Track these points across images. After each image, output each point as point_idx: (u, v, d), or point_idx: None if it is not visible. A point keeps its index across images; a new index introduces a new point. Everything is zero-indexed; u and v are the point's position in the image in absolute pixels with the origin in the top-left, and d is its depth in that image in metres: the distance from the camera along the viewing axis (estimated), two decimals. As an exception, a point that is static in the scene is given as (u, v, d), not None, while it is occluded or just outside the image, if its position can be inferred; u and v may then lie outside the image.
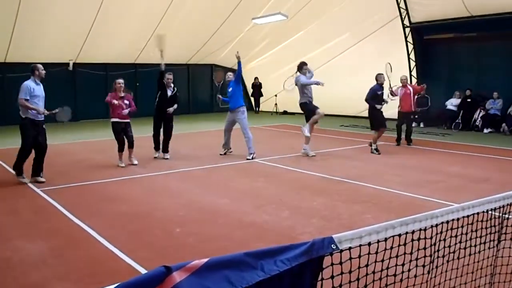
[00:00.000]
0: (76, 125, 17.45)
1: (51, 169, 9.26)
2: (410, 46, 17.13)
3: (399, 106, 12.69)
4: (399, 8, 16.53)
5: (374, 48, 17.63)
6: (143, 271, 4.30)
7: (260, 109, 23.22)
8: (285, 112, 21.68)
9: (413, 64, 17.30)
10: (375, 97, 11.45)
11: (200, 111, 22.01)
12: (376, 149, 11.02)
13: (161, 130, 10.47)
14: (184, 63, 21.48)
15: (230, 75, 11.39)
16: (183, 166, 9.37)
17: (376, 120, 11.45)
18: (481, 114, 15.27)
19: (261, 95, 22.88)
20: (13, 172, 8.15)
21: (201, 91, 22.88)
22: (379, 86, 11.67)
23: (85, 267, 4.44)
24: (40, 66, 8.15)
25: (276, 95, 21.93)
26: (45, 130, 8.14)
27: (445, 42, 16.58)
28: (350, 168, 9.22)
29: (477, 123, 15.31)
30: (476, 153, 10.86)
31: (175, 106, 10.35)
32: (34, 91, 7.82)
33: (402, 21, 16.82)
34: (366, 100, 11.67)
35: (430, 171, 8.82)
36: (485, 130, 14.85)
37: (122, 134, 9.39)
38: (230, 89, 10.88)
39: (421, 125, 16.46)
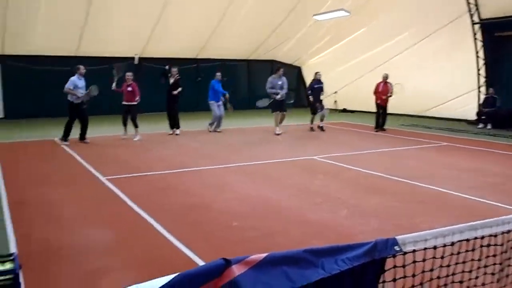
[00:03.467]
0: (140, 117, 17.98)
1: (114, 159, 9.67)
2: (479, 44, 16.36)
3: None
4: (468, 3, 15.82)
5: (440, 45, 16.98)
6: (200, 262, 4.38)
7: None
8: (344, 110, 21.35)
9: (481, 62, 16.51)
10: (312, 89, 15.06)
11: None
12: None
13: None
14: (244, 59, 21.61)
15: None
16: (240, 161, 9.44)
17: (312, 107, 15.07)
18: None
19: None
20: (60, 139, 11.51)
21: (260, 86, 22.83)
22: (316, 81, 14.96)
23: (145, 256, 4.57)
24: (81, 66, 11.63)
25: (336, 92, 21.65)
26: (85, 109, 11.58)
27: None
28: (409, 167, 8.95)
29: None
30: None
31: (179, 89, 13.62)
32: (77, 83, 11.34)
33: (471, 17, 16.09)
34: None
35: (494, 174, 8.40)
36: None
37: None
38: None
39: (489, 126, 15.70)
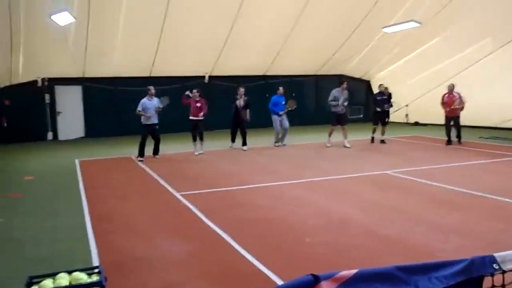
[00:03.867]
0: (210, 135, 18.40)
1: (184, 175, 9.91)
2: None
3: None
4: (550, 7, 14.92)
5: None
6: (273, 277, 4.35)
7: (389, 120, 22.41)
8: (416, 123, 20.68)
9: None
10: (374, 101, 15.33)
11: (326, 122, 21.85)
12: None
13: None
14: (312, 74, 21.56)
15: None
16: (310, 176, 9.37)
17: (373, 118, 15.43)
18: None
19: (391, 105, 22.06)
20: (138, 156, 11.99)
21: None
22: (380, 93, 15.22)
23: (220, 270, 4.62)
24: (151, 87, 12.32)
25: (407, 105, 21.05)
26: (157, 129, 12.25)
27: None
28: (490, 182, 8.46)
29: None
30: None
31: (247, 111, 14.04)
32: (146, 105, 11.98)
33: (554, 22, 15.15)
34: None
35: None
36: None
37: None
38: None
39: None
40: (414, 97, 20.21)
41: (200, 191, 8.25)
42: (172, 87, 17.81)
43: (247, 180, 9.21)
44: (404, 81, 20.60)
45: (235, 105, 14.01)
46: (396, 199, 7.39)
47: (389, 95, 21.70)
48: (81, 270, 3.41)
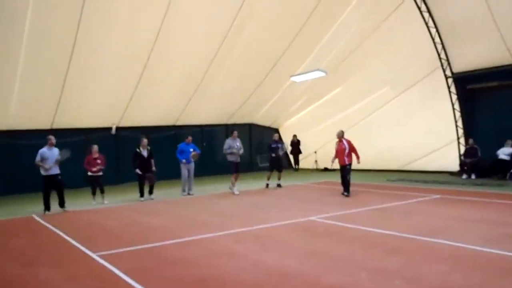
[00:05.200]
0: (119, 188, 17.44)
1: (103, 233, 9.09)
2: (454, 97, 16.77)
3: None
4: (440, 58, 16.36)
5: (416, 100, 17.39)
6: None
7: (299, 166, 22.89)
8: (326, 169, 21.25)
9: (458, 114, 16.87)
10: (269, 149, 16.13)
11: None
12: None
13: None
14: (223, 123, 21.52)
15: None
16: (237, 227, 9.00)
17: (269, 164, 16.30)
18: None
19: (300, 152, 22.63)
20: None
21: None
22: (273, 141, 16.20)
23: None
24: (51, 137, 11.90)
25: (315, 152, 21.65)
26: (59, 180, 11.80)
27: (490, 90, 16.16)
28: (415, 223, 8.67)
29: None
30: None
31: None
32: (45, 155, 11.56)
33: (444, 72, 16.58)
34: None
35: (502, 224, 8.22)
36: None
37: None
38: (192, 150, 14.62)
39: (473, 176, 15.81)
40: (322, 143, 20.84)
41: (121, 250, 7.50)
42: (76, 140, 16.75)
43: (173, 234, 8.59)
44: (311, 128, 21.25)
45: (138, 157, 13.77)
46: (329, 245, 7.24)
47: (298, 142, 22.30)
48: None
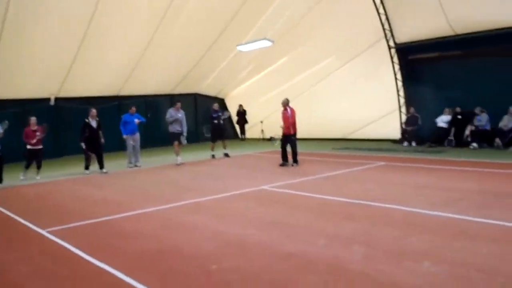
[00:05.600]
0: (60, 161, 16.81)
1: (52, 208, 8.74)
2: (396, 67, 17.22)
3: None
4: (383, 29, 16.66)
5: (360, 70, 17.70)
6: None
7: (246, 136, 22.94)
8: (271, 138, 21.40)
9: (400, 84, 17.37)
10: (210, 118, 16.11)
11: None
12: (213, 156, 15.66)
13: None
14: (168, 94, 21.04)
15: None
16: (189, 198, 8.91)
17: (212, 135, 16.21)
18: (470, 130, 15.31)
19: (246, 122, 22.63)
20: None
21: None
22: (214, 111, 16.20)
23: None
24: None
25: (262, 122, 21.71)
26: None
27: (431, 61, 16.70)
28: (365, 190, 8.90)
29: (468, 139, 15.33)
30: (480, 168, 10.75)
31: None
32: None
33: (388, 42, 16.94)
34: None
35: (446, 189, 8.60)
36: (472, 146, 14.83)
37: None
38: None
39: (413, 143, 16.44)
40: (268, 113, 20.89)
41: (71, 225, 7.24)
42: (12, 111, 15.87)
43: (124, 207, 8.39)
44: (258, 98, 21.24)
45: (87, 127, 13.10)
46: (284, 214, 7.32)
47: (244, 112, 22.27)
48: None
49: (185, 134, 14.67)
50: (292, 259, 5.14)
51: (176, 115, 14.54)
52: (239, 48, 18.04)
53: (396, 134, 17.61)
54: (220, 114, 16.21)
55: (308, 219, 6.88)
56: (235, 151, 17.31)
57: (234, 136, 23.28)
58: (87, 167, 13.40)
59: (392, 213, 7.00)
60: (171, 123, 14.47)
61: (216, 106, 16.68)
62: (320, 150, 16.37)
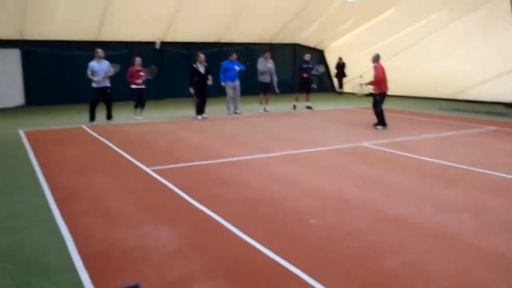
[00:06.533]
0: (162, 103, 17.45)
1: (153, 149, 9.07)
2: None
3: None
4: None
5: (475, 25, 16.18)
6: (289, 267, 3.79)
7: (343, 90, 22.30)
8: (371, 94, 20.56)
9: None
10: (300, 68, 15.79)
11: (281, 92, 21.42)
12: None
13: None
14: (267, 42, 20.81)
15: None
16: (286, 149, 8.82)
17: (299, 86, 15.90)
18: None
19: (345, 75, 21.92)
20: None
21: (283, 71, 22.12)
22: (304, 61, 15.68)
23: (227, 261, 3.97)
24: (99, 50, 11.91)
25: (361, 76, 20.87)
26: (109, 93, 12.06)
27: None
28: (471, 155, 8.27)
29: None
30: None
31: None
32: (94, 68, 11.77)
33: (511, -4, 15.21)
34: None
35: None
36: None
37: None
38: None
39: None
40: (369, 67, 19.99)
41: (172, 166, 7.49)
42: (120, 53, 16.58)
43: (222, 153, 8.51)
44: (359, 51, 20.37)
45: (195, 72, 13.04)
46: (386, 174, 6.98)
47: (343, 65, 21.56)
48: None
49: (275, 84, 14.77)
50: (397, 224, 4.87)
51: (265, 66, 14.52)
52: (345, -3, 17.23)
53: (511, 97, 16.11)
54: (310, 66, 15.78)
55: (411, 182, 6.51)
56: (333, 105, 16.90)
57: (331, 89, 22.73)
58: (198, 112, 13.40)
59: (501, 183, 6.42)
60: (262, 73, 14.65)
61: (307, 56, 16.01)
62: (425, 110, 15.46)
